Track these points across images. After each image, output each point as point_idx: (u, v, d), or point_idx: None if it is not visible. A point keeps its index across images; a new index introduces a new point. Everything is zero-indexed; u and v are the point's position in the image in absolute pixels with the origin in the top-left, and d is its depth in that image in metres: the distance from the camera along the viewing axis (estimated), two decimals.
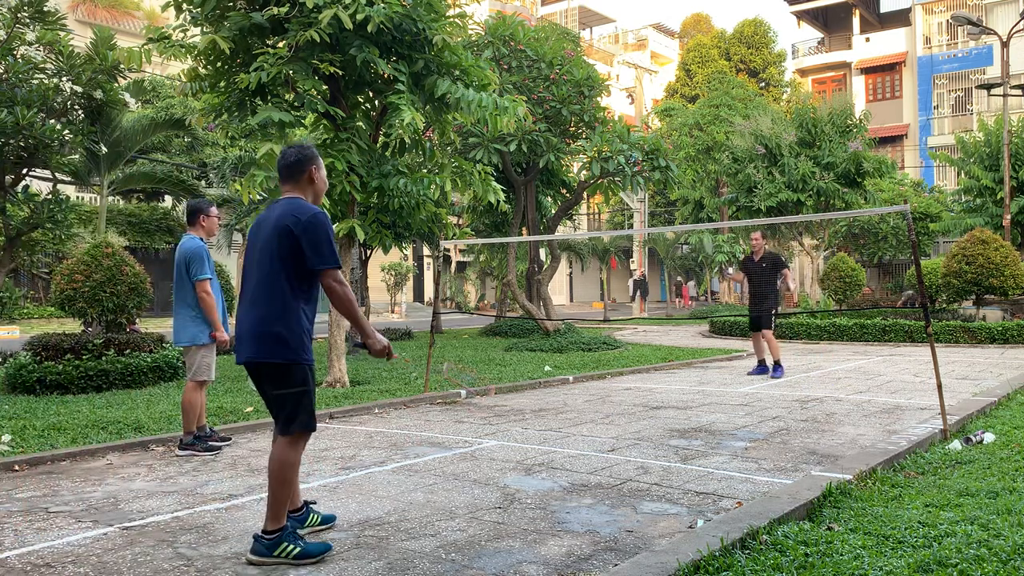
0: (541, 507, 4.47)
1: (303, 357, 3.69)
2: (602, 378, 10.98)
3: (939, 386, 6.43)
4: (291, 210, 3.68)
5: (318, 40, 8.02)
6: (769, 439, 6.39)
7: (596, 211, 45.22)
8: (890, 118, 38.21)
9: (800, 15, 42.72)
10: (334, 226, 9.88)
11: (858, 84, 39.78)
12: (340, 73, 8.61)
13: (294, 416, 3.71)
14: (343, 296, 3.67)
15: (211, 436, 6.26)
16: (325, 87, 8.92)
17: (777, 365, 10.93)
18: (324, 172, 3.97)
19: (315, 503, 4.24)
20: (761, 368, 11.04)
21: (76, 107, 12.50)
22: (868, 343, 16.37)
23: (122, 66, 11.91)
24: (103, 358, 9.33)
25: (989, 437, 5.91)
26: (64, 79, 11.88)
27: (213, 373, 6.24)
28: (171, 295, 6.42)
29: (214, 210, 6.31)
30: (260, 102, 9.01)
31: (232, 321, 6.37)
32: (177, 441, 6.23)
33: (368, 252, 16.35)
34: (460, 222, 20.62)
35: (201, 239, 6.22)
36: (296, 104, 8.94)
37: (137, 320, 11.85)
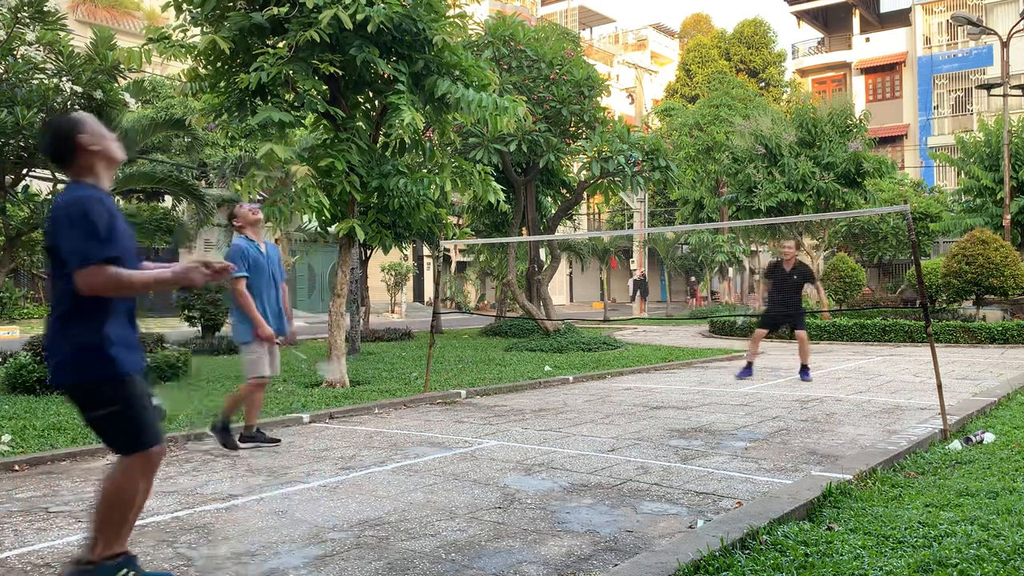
0: (541, 507, 4.47)
1: (99, 372, 3.04)
2: (602, 378, 10.98)
3: (939, 386, 6.43)
4: (56, 200, 3.08)
5: (318, 40, 8.02)
6: (769, 439, 6.39)
7: (596, 211, 45.21)
8: (890, 118, 38.20)
9: (800, 15, 42.71)
10: (333, 226, 9.87)
11: (858, 84, 39.77)
12: (340, 73, 8.61)
13: (125, 438, 3.11)
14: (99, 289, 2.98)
15: (257, 436, 6.30)
16: (325, 87, 8.93)
17: (805, 368, 10.49)
18: (108, 141, 3.20)
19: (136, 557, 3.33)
20: (748, 371, 10.59)
21: (76, 107, 12.47)
22: (868, 343, 16.36)
23: (122, 66, 11.87)
24: None
25: (989, 437, 5.91)
26: (64, 79, 11.86)
27: (266, 369, 6.15)
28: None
29: (243, 205, 6.32)
30: (260, 102, 9.01)
31: (293, 315, 6.48)
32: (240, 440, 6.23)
33: (368, 252, 16.34)
34: (460, 222, 20.60)
35: (246, 237, 6.20)
36: (296, 104, 8.93)
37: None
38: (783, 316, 10.48)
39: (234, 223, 6.26)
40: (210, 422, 6.23)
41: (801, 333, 10.47)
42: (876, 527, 3.80)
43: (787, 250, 10.50)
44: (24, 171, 12.07)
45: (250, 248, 6.14)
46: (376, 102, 9.78)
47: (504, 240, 14.37)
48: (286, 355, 9.05)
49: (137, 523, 4.25)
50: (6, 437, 6.22)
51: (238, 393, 6.19)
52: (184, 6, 8.75)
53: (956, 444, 5.83)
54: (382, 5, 8.07)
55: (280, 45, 8.79)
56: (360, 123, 9.71)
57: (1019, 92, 24.71)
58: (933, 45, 38.07)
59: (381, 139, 9.74)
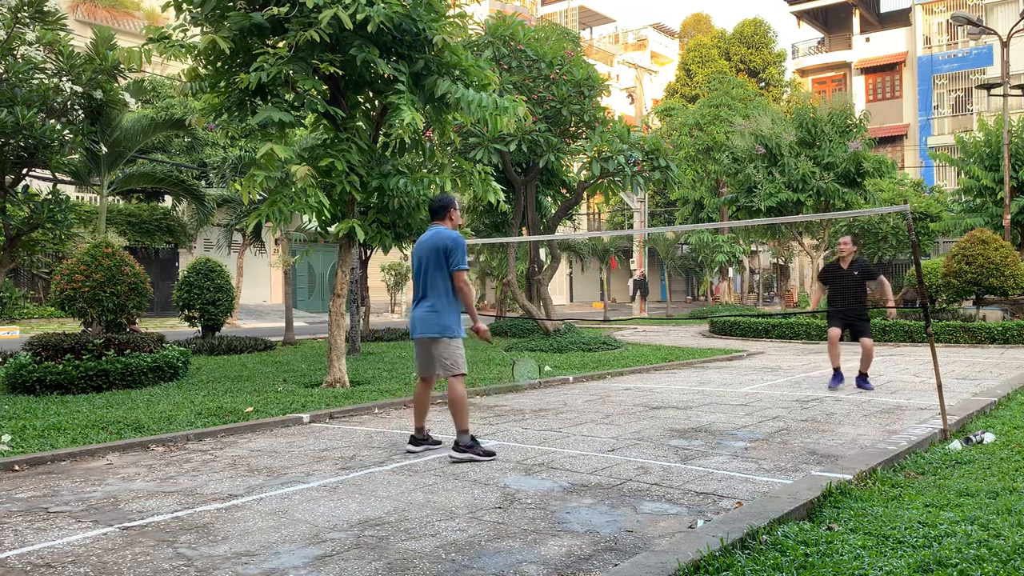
0: (541, 507, 4.47)
1: None
2: (602, 378, 10.97)
3: (939, 386, 6.43)
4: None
5: (318, 40, 8.02)
6: (769, 439, 6.39)
7: (596, 211, 45.21)
8: (890, 118, 38.21)
9: (800, 15, 42.71)
10: (333, 227, 9.88)
11: (858, 84, 39.78)
12: (340, 73, 8.61)
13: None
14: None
15: (427, 439, 6.04)
16: (325, 87, 8.93)
17: (864, 377, 9.45)
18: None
19: None
20: (838, 377, 9.56)
21: (76, 107, 12.48)
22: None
23: (122, 66, 11.89)
24: (103, 358, 9.33)
25: (989, 437, 5.91)
26: (64, 79, 11.87)
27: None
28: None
29: (455, 205, 6.09)
30: (260, 102, 9.01)
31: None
32: (409, 442, 5.99)
33: (368, 252, 16.34)
34: (460, 222, 20.59)
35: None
36: (296, 104, 8.94)
37: (137, 320, 11.85)
38: (849, 316, 9.41)
39: (448, 216, 5.94)
40: (453, 444, 5.73)
41: (866, 341, 9.31)
42: (876, 527, 3.80)
43: (843, 247, 9.38)
44: (24, 171, 12.07)
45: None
46: (376, 102, 9.78)
47: (504, 240, 14.37)
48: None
49: (137, 523, 4.26)
50: (6, 437, 6.22)
51: (456, 396, 5.68)
52: (184, 6, 8.75)
53: (956, 444, 5.83)
54: (382, 5, 8.07)
55: (280, 45, 8.79)
56: (360, 123, 9.71)
57: (1019, 92, 24.73)
58: (933, 45, 38.07)
59: (381, 139, 9.75)
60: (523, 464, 5.57)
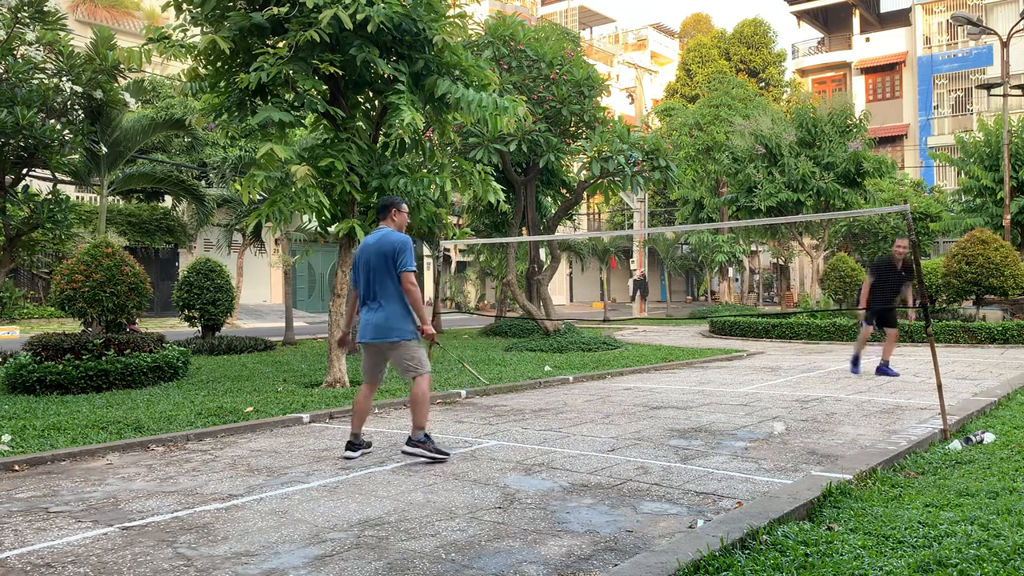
0: (541, 507, 4.47)
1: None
2: (602, 378, 10.97)
3: (939, 386, 6.43)
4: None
5: (318, 40, 8.02)
6: (769, 439, 6.39)
7: (596, 211, 45.21)
8: (890, 118, 38.21)
9: (800, 15, 42.71)
10: (333, 227, 9.88)
11: (858, 84, 39.78)
12: (340, 73, 8.62)
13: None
14: None
15: (362, 444, 5.95)
16: (325, 87, 8.93)
17: (886, 364, 10.85)
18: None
19: None
20: (856, 366, 10.87)
21: (76, 107, 12.48)
22: (868, 343, 16.33)
23: (122, 66, 11.90)
24: (103, 358, 9.33)
25: (989, 437, 5.91)
26: (64, 79, 11.88)
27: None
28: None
29: (405, 206, 6.03)
30: (260, 102, 9.01)
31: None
32: (347, 448, 5.85)
33: None
34: (460, 222, 20.62)
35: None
36: (296, 104, 8.94)
37: (137, 320, 11.85)
38: (888, 312, 10.64)
39: (390, 216, 5.88)
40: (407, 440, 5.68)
41: (893, 331, 10.79)
42: (876, 527, 3.80)
43: (902, 249, 10.26)
44: (24, 171, 12.07)
45: None
46: (376, 102, 9.78)
47: (504, 240, 14.36)
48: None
49: (137, 523, 4.26)
50: (6, 437, 6.22)
51: (420, 392, 5.66)
52: (184, 6, 8.76)
53: (956, 444, 5.83)
54: (382, 5, 8.07)
55: (280, 45, 8.80)
56: (360, 123, 9.72)
57: (1019, 92, 24.74)
58: (933, 45, 38.07)
59: (381, 139, 9.75)
60: (523, 464, 5.57)
